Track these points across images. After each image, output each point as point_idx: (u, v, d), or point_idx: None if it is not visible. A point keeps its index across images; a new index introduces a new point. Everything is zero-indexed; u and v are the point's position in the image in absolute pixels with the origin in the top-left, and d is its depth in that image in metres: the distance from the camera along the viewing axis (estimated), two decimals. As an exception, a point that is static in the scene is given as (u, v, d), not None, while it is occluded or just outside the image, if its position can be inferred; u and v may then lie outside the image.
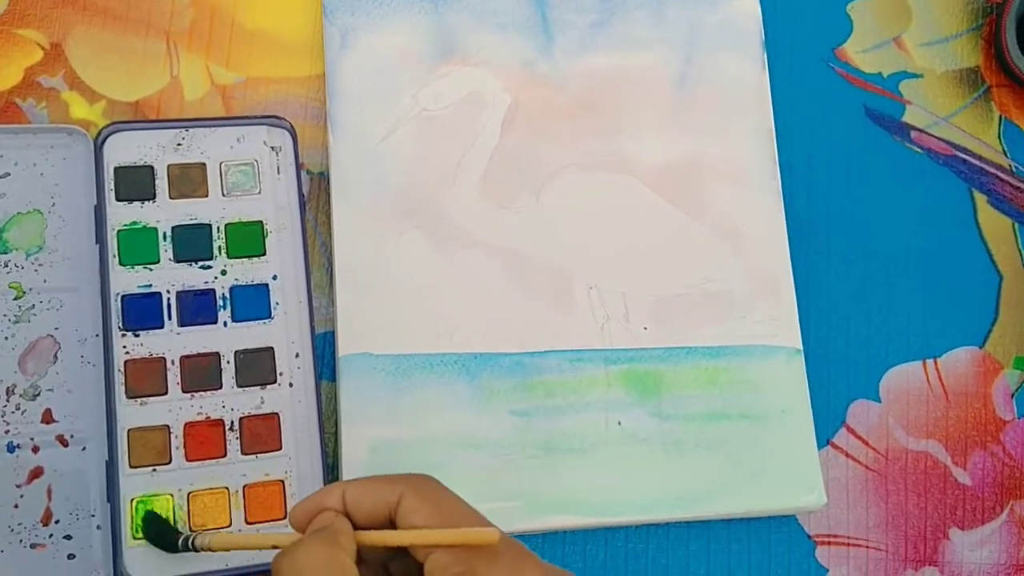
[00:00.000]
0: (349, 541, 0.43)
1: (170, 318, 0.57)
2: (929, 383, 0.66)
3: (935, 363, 0.67)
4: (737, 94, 0.67)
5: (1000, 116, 0.71)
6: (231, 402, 0.57)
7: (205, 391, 0.57)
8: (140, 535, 0.55)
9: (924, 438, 0.66)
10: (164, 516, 0.55)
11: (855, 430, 0.65)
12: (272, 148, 0.61)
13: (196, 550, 0.51)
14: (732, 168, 0.66)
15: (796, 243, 0.66)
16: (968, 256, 0.69)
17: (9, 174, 0.58)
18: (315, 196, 0.63)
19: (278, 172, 0.60)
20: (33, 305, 0.57)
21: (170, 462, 0.56)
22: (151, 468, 0.55)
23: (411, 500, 0.43)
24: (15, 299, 0.57)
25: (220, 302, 0.58)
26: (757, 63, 0.67)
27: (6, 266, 0.57)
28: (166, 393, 0.57)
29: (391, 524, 0.44)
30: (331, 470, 0.58)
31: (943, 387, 0.66)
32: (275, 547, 0.45)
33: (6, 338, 0.56)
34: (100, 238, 0.58)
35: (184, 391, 0.57)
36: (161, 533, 0.54)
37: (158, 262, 0.58)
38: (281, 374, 0.58)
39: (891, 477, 0.65)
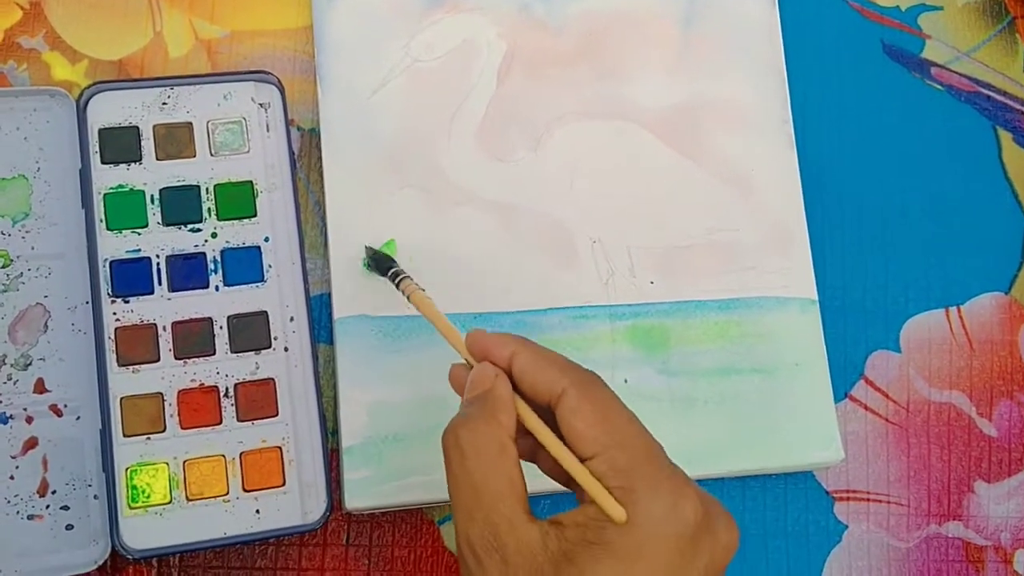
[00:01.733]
0: (510, 419, 0.47)
1: (160, 283, 0.60)
2: (952, 331, 0.68)
3: (958, 310, 0.69)
4: (746, 32, 0.69)
5: (1025, 49, 0.72)
6: (225, 368, 0.60)
7: (198, 357, 0.60)
8: (148, 499, 0.58)
9: (947, 389, 0.68)
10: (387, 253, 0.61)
11: (874, 382, 0.67)
12: (260, 105, 0.63)
13: (397, 286, 0.57)
14: (741, 112, 0.68)
15: (810, 189, 0.67)
16: (992, 197, 0.71)
17: (-8, 139, 0.61)
18: (306, 153, 0.65)
19: (267, 129, 0.63)
20: (21, 273, 0.60)
21: (164, 430, 0.59)
22: (145, 436, 0.58)
23: (574, 398, 0.47)
24: (2, 267, 0.59)
25: (211, 266, 0.61)
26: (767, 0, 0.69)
27: (-8, 234, 0.60)
28: (158, 360, 0.59)
29: (547, 408, 0.48)
30: (330, 435, 0.61)
31: (967, 335, 0.68)
32: (451, 343, 0.52)
33: (-6, 308, 0.59)
34: (86, 202, 0.60)
35: (177, 358, 0.60)
36: (378, 257, 0.60)
37: (146, 226, 0.61)
38: (276, 338, 0.61)
39: (912, 430, 0.67)
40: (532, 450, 0.50)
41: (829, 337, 0.66)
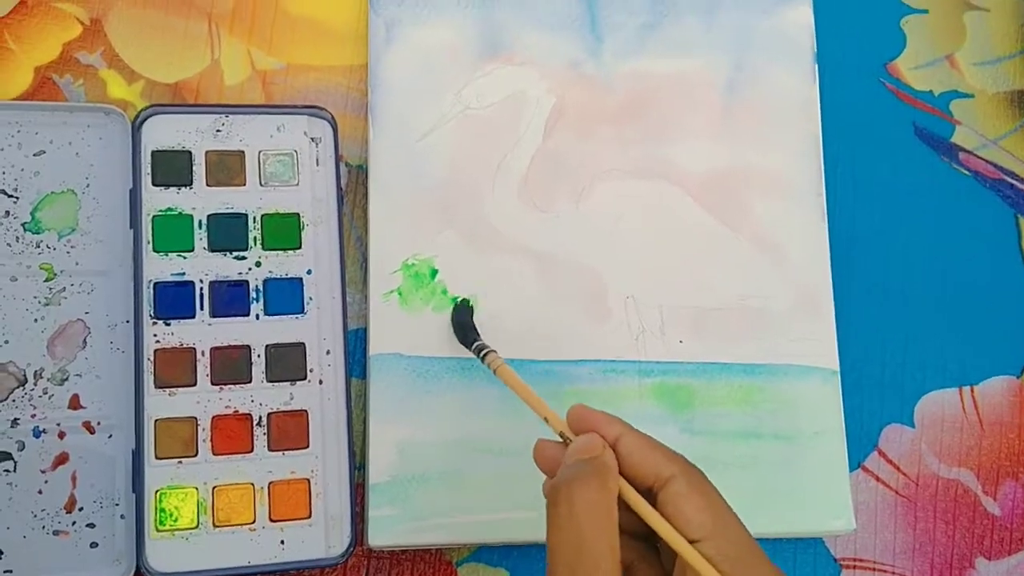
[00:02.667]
0: (615, 484, 0.46)
1: (202, 308, 0.59)
2: (964, 410, 0.68)
3: (971, 390, 0.68)
4: (786, 105, 0.68)
5: (1050, 141, 0.72)
6: (260, 397, 0.58)
7: (234, 384, 0.58)
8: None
9: (956, 466, 0.67)
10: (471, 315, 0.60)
11: (887, 454, 0.66)
12: (312, 139, 0.61)
13: (482, 360, 0.56)
14: (777, 181, 0.67)
15: (837, 261, 0.67)
16: (1010, 283, 0.70)
17: (44, 152, 0.59)
18: (352, 189, 0.64)
19: (317, 164, 0.61)
20: (64, 288, 0.58)
21: (196, 455, 0.57)
22: (177, 460, 0.57)
23: (683, 484, 0.46)
24: (46, 281, 0.58)
25: (253, 294, 0.59)
26: (808, 74, 0.68)
27: (38, 247, 0.58)
28: (195, 384, 0.58)
29: (648, 492, 0.47)
30: (358, 470, 0.60)
31: (978, 415, 0.68)
32: (542, 416, 0.51)
33: (36, 320, 0.57)
34: (135, 222, 0.58)
35: (213, 383, 0.58)
36: (464, 328, 0.59)
37: (192, 250, 0.59)
38: (311, 370, 0.59)
39: (920, 503, 0.66)
40: (626, 565, 0.49)
41: (847, 407, 0.65)
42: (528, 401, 0.52)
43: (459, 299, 0.61)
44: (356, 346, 0.62)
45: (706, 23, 0.68)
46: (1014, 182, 0.71)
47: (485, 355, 0.56)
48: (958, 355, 0.69)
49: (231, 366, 0.58)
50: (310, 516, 0.58)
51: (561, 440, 0.50)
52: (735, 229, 0.66)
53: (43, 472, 0.56)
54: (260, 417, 0.58)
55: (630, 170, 0.65)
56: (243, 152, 0.61)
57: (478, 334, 0.59)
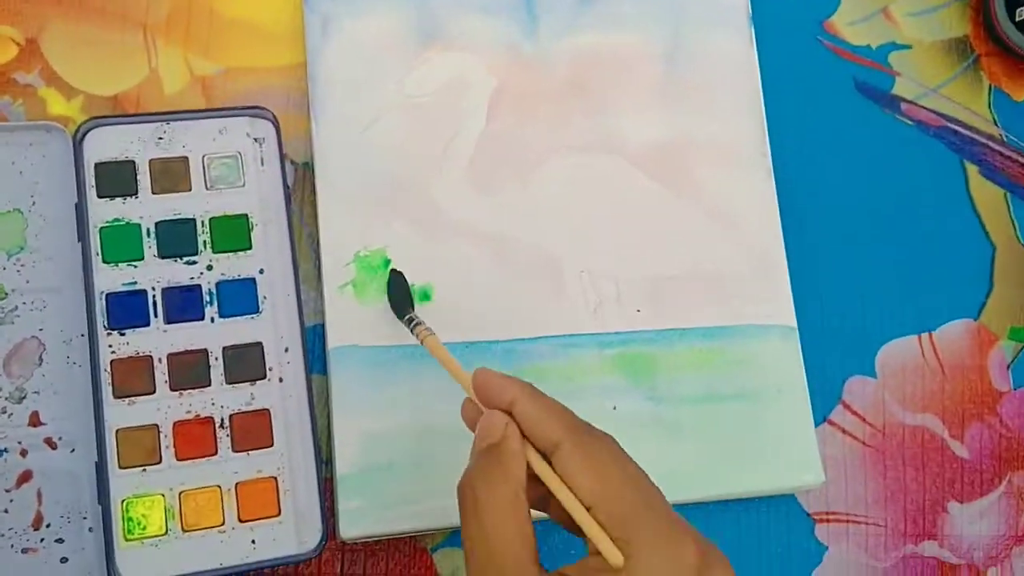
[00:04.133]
0: (521, 470, 0.44)
1: (156, 315, 0.56)
2: (924, 357, 0.65)
3: (930, 336, 0.66)
4: (726, 71, 0.65)
5: (990, 85, 0.69)
6: (220, 399, 0.56)
7: (194, 389, 0.55)
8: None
9: (920, 412, 0.65)
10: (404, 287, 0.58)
11: (851, 406, 0.64)
12: (255, 139, 0.59)
13: (412, 332, 0.55)
14: (722, 146, 0.64)
15: (788, 220, 0.64)
16: (961, 227, 0.68)
17: (-13, 173, 0.56)
18: (300, 187, 0.61)
19: (262, 164, 0.59)
20: (16, 307, 0.55)
21: (160, 461, 0.54)
22: (141, 468, 0.54)
23: (568, 450, 0.44)
24: (-2, 301, 0.55)
25: (207, 297, 0.57)
26: (745, 38, 0.66)
27: (-13, 267, 0.55)
28: (154, 392, 0.55)
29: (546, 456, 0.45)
30: (324, 464, 0.57)
31: (938, 360, 0.65)
32: (462, 385, 0.49)
33: (-10, 341, 0.54)
34: (82, 236, 0.56)
35: (172, 389, 0.55)
36: (400, 300, 0.57)
37: (142, 259, 0.56)
38: (271, 369, 0.56)
39: (888, 452, 0.64)
40: (544, 498, 0.46)
41: (808, 363, 0.62)
42: (451, 373, 0.50)
43: (390, 270, 0.59)
44: (315, 342, 0.59)
45: (640, -5, 0.65)
46: (958, 128, 0.69)
47: (414, 327, 0.54)
48: (915, 302, 0.66)
49: (189, 371, 0.56)
50: (279, 514, 0.55)
51: None
52: (684, 196, 0.63)
53: (7, 491, 0.53)
54: (222, 419, 0.55)
55: (576, 146, 0.63)
56: (187, 158, 0.58)
57: (412, 306, 0.56)
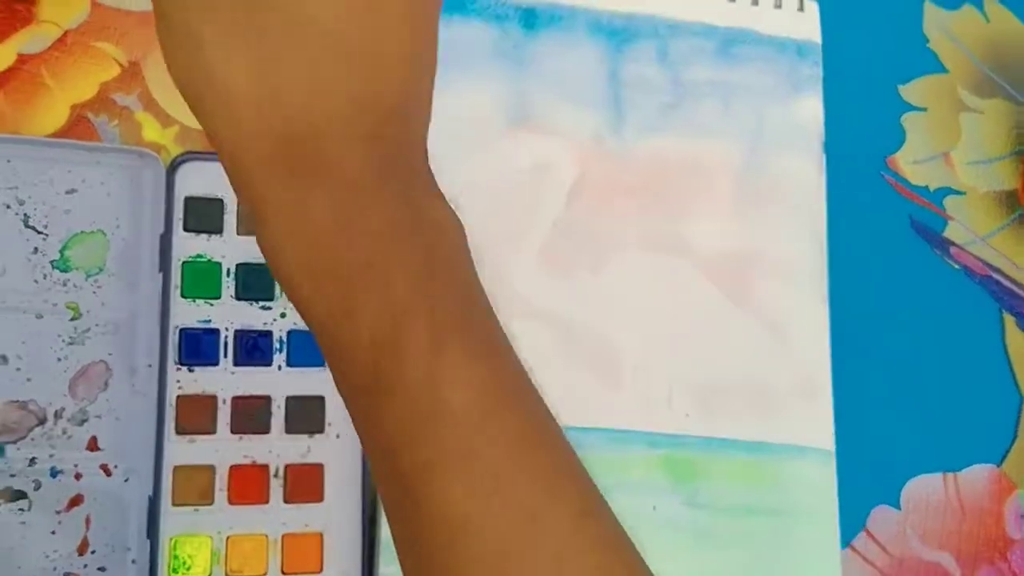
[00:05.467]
0: None
1: (226, 356, 0.55)
2: (947, 495, 0.65)
3: (955, 477, 0.66)
4: (795, 190, 0.66)
5: (1035, 240, 0.70)
6: (278, 448, 0.54)
7: (253, 434, 0.54)
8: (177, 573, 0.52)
9: (937, 549, 0.65)
10: None
11: (875, 535, 0.64)
12: (342, 194, 0.58)
13: None
14: (784, 264, 0.64)
15: (836, 342, 0.64)
16: (992, 375, 0.68)
17: (76, 190, 0.55)
18: (378, 247, 0.60)
19: (345, 218, 0.58)
20: (88, 328, 0.54)
21: (212, 503, 0.53)
22: (193, 508, 0.53)
23: None
24: (71, 320, 0.53)
25: (277, 345, 0.55)
26: (816, 162, 0.66)
27: (64, 285, 0.54)
28: (215, 432, 0.54)
29: None
30: (370, 524, 0.56)
31: (960, 501, 0.65)
32: None
33: (59, 359, 0.53)
34: (164, 266, 0.55)
35: (233, 432, 0.54)
36: None
37: (219, 298, 0.55)
38: (330, 424, 0.55)
39: (902, 584, 0.64)
40: None
41: (839, 486, 0.62)
42: None
43: None
44: (374, 402, 0.58)
45: (723, 107, 0.66)
46: (1000, 279, 0.69)
47: None
48: (944, 442, 0.66)
49: (251, 416, 0.54)
50: (322, 570, 0.54)
51: None
52: (743, 307, 0.63)
53: (57, 513, 0.51)
54: (277, 468, 0.54)
55: (646, 244, 0.63)
56: (274, 203, 0.57)
57: None
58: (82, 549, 0.51)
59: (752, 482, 0.61)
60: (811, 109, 0.67)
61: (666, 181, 0.64)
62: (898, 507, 0.65)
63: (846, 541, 0.63)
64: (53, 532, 0.51)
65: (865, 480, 0.64)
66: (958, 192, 0.70)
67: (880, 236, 0.68)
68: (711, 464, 0.61)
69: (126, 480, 0.53)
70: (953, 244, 0.69)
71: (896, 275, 0.68)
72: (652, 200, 0.64)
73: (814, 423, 0.63)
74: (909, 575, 0.64)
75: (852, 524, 0.64)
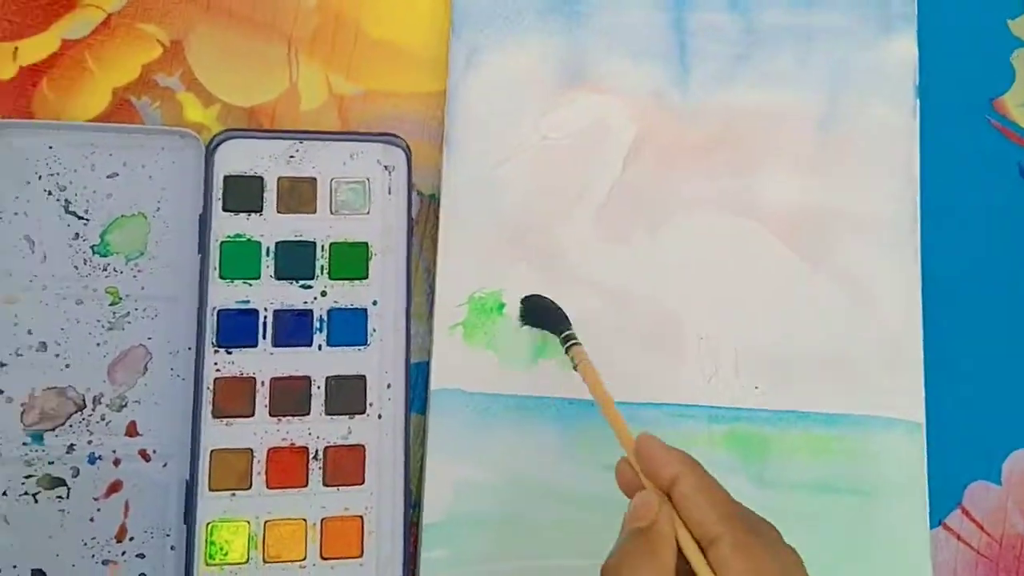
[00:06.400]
0: (672, 556, 0.40)
1: (264, 337, 0.53)
2: (1056, 469, 0.59)
3: (1064, 448, 0.59)
4: (883, 141, 0.60)
5: None
6: (317, 430, 0.53)
7: (292, 416, 0.53)
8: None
9: (1044, 527, 0.58)
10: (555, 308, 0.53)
11: (971, 512, 0.58)
12: (385, 167, 0.55)
13: (566, 352, 0.50)
14: (869, 221, 0.59)
15: (928, 305, 0.58)
16: (1107, 336, 0.61)
17: (117, 174, 0.54)
18: (423, 219, 0.57)
19: (389, 192, 0.55)
20: (128, 312, 0.53)
21: (250, 487, 0.52)
22: (231, 492, 0.51)
23: (727, 549, 0.40)
24: (111, 305, 0.53)
25: (317, 324, 0.54)
26: (908, 109, 0.60)
27: (105, 269, 0.53)
28: (253, 415, 0.52)
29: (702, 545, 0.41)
30: (413, 508, 0.54)
31: (1071, 475, 0.59)
32: (616, 433, 0.45)
33: (98, 344, 0.52)
34: (203, 248, 0.53)
35: (271, 415, 0.52)
36: (549, 315, 0.53)
37: (258, 278, 0.54)
38: (371, 404, 0.53)
39: (1003, 564, 0.58)
40: None
41: (929, 461, 0.56)
42: (606, 413, 0.46)
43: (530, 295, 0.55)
44: (417, 380, 0.56)
45: (801, 55, 0.60)
46: (1123, 228, 0.61)
47: (570, 346, 0.50)
48: (1053, 410, 0.60)
49: (290, 397, 0.53)
50: (362, 555, 0.52)
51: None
52: (821, 270, 0.58)
53: (96, 500, 0.51)
54: (316, 451, 0.53)
55: (712, 204, 0.58)
56: (315, 179, 0.55)
57: (568, 322, 0.52)
58: (120, 536, 0.51)
59: (830, 458, 0.56)
60: (902, 51, 0.60)
61: (735, 137, 0.59)
62: (998, 482, 0.59)
63: (938, 519, 0.58)
64: (92, 519, 0.51)
65: (960, 454, 0.59)
66: (1076, 134, 0.63)
67: (984, 187, 0.62)
68: (783, 439, 0.56)
69: (164, 465, 0.52)
70: (1070, 192, 0.62)
71: (1002, 229, 0.61)
72: (718, 158, 0.59)
73: (901, 393, 0.57)
74: (1011, 556, 0.58)
75: (945, 501, 0.58)
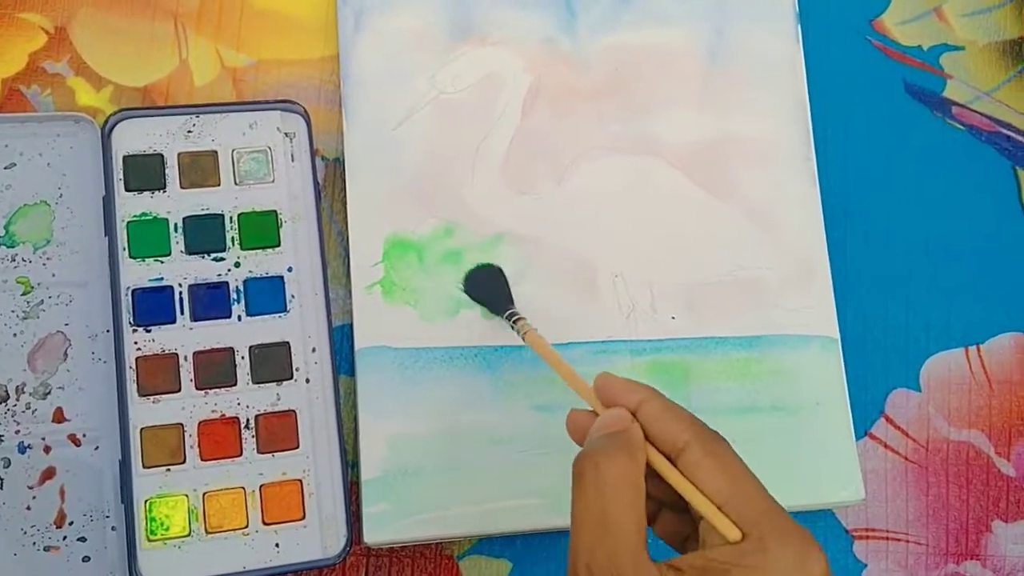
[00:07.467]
0: (642, 456, 0.46)
1: (182, 312, 0.58)
2: (971, 371, 0.66)
3: (977, 350, 0.67)
4: (770, 70, 0.67)
5: (1046, 90, 0.70)
6: (246, 399, 0.58)
7: (219, 388, 0.58)
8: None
9: (966, 428, 0.66)
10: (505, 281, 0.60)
11: (894, 420, 0.65)
12: (286, 134, 0.61)
13: (512, 327, 0.57)
14: (765, 148, 0.66)
15: (832, 226, 0.65)
16: (1012, 237, 0.69)
17: (15, 164, 0.58)
18: (330, 183, 0.63)
19: (292, 159, 0.61)
20: (42, 300, 0.57)
21: (184, 461, 0.56)
22: (165, 468, 0.56)
23: (697, 452, 0.46)
24: (23, 295, 0.57)
25: (234, 295, 0.59)
26: (791, 36, 0.67)
27: (13, 260, 0.57)
28: (179, 390, 0.57)
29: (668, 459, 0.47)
30: (351, 467, 0.59)
31: (986, 375, 0.66)
32: (572, 386, 0.51)
33: (15, 335, 0.57)
34: (109, 230, 0.58)
35: (198, 388, 0.57)
36: (493, 293, 0.59)
37: (169, 254, 0.58)
38: (297, 369, 0.58)
39: (932, 468, 0.65)
40: (651, 514, 0.49)
41: (850, 375, 0.63)
42: (558, 370, 0.52)
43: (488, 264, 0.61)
44: (343, 342, 0.61)
45: (682, -9, 0.67)
46: (1011, 134, 0.70)
47: (516, 321, 0.57)
48: (961, 314, 0.67)
49: (215, 370, 0.58)
50: (304, 517, 0.57)
51: (592, 410, 0.50)
52: (724, 200, 0.65)
53: (30, 488, 0.55)
54: (247, 420, 0.57)
55: (612, 146, 0.64)
56: (216, 152, 0.60)
57: (512, 302, 0.59)
58: (59, 521, 0.55)
59: (750, 379, 0.63)
60: (780, -21, 0.68)
61: (628, 78, 0.66)
62: (918, 388, 0.66)
63: (863, 430, 0.65)
64: (28, 508, 0.55)
65: (878, 364, 0.66)
66: (955, 48, 0.71)
67: (872, 105, 0.69)
68: (704, 366, 0.62)
69: (96, 448, 0.56)
70: (955, 104, 0.70)
71: (894, 144, 0.69)
72: (615, 100, 0.65)
73: (814, 311, 0.64)
74: (937, 458, 0.65)
75: (868, 411, 0.65)
